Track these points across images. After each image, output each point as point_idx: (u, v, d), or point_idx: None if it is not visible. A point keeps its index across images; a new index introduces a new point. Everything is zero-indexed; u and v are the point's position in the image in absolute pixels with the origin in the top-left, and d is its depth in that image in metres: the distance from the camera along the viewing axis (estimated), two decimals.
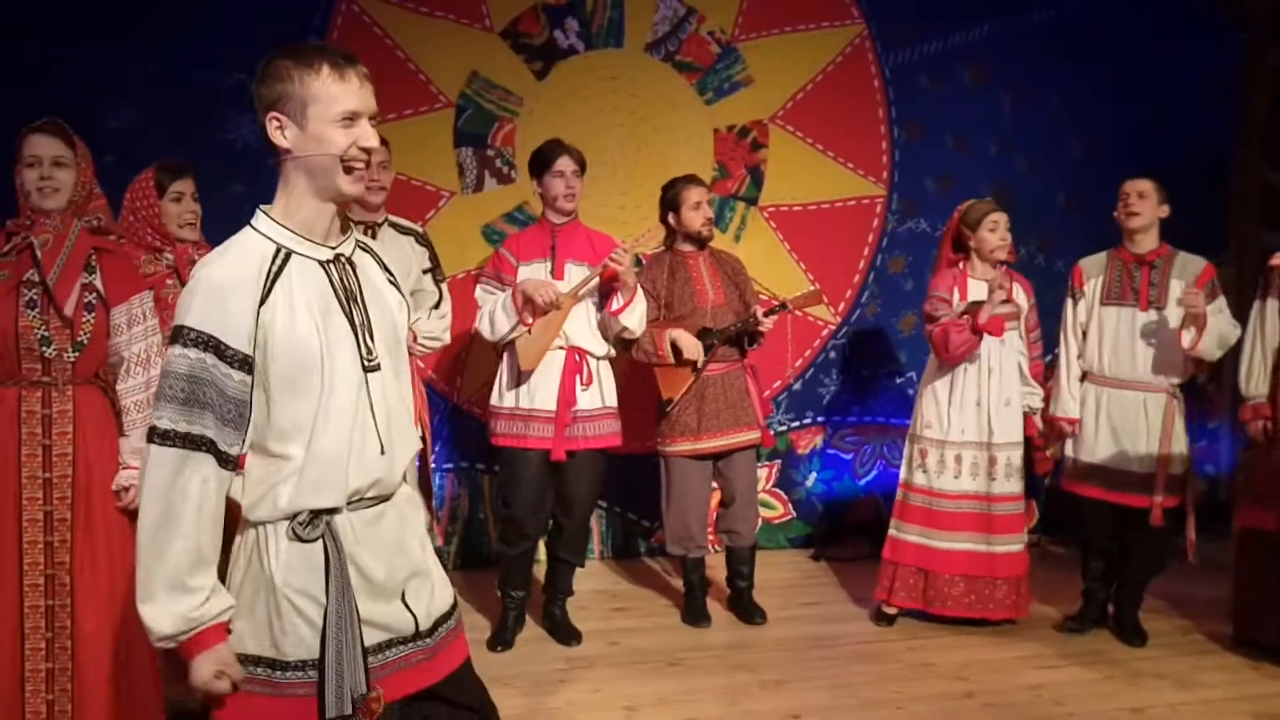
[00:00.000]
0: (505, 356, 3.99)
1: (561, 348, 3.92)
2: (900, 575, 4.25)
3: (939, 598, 4.19)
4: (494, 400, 4.02)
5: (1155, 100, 5.70)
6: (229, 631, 1.79)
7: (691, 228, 4.25)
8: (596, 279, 3.91)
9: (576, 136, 5.04)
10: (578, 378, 3.92)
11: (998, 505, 4.14)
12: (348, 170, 1.78)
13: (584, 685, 3.74)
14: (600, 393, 4.00)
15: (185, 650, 1.76)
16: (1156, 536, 4.09)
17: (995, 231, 4.15)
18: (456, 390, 5.05)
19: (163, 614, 1.73)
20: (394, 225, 3.96)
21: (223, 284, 1.74)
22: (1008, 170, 5.58)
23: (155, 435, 1.73)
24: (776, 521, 5.49)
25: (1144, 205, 4.08)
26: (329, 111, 1.75)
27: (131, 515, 3.02)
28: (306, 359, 1.77)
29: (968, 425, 4.16)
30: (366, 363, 1.84)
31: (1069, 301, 4.24)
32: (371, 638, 1.85)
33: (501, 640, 4.01)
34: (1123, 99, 5.66)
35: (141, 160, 3.39)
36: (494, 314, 3.88)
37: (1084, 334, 4.18)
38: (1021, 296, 4.25)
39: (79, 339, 2.81)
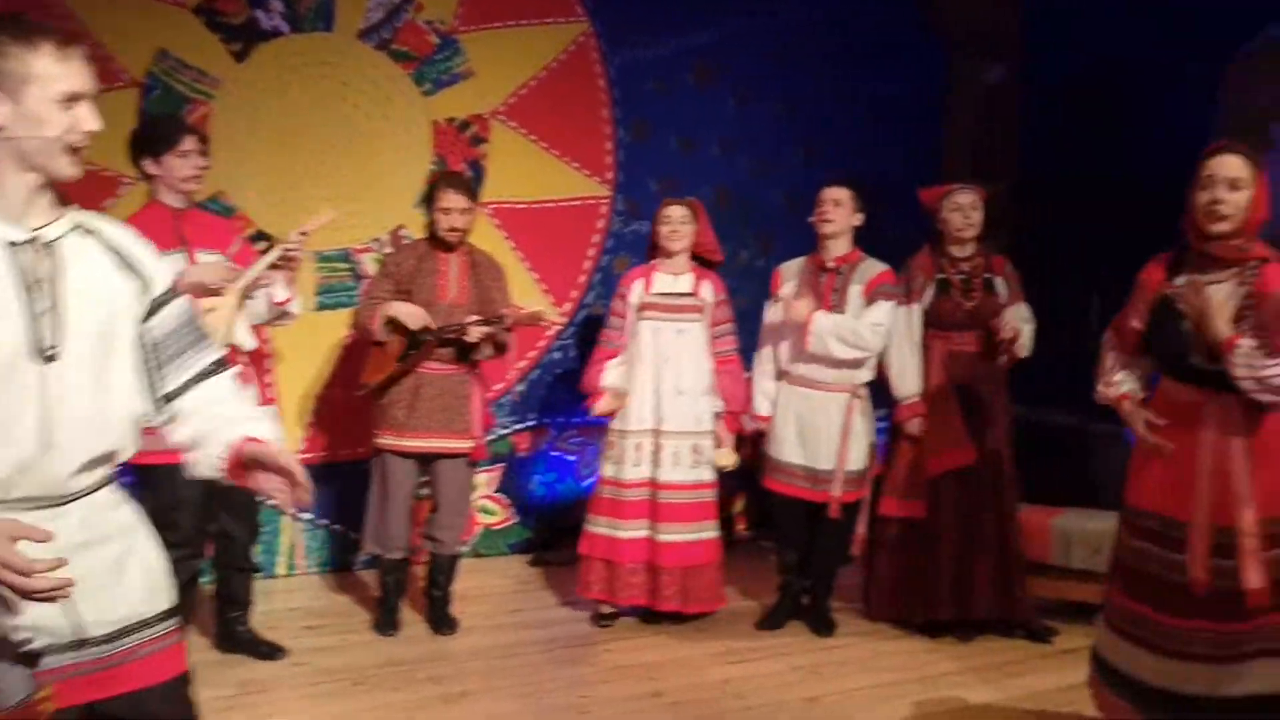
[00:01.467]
0: None
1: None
2: (594, 569, 4.22)
3: (624, 588, 4.18)
4: None
5: (871, 109, 5.93)
6: None
7: (436, 228, 4.11)
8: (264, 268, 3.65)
9: (281, 123, 4.81)
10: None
11: (664, 493, 4.16)
12: (71, 152, 1.72)
13: (255, 712, 3.47)
14: (253, 390, 3.76)
15: None
16: (839, 529, 4.22)
17: (667, 224, 4.19)
18: None
19: None
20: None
21: None
22: (731, 173, 5.67)
23: None
24: (498, 527, 5.37)
25: (838, 213, 4.21)
26: (49, 91, 1.69)
27: None
28: None
29: (644, 413, 4.18)
30: (41, 353, 1.71)
31: (768, 304, 4.32)
32: (21, 636, 1.72)
33: None
34: (841, 107, 5.86)
35: None
36: None
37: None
38: (708, 291, 4.27)
39: None
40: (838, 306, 4.15)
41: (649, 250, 4.36)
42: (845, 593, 4.53)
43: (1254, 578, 2.71)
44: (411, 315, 4.00)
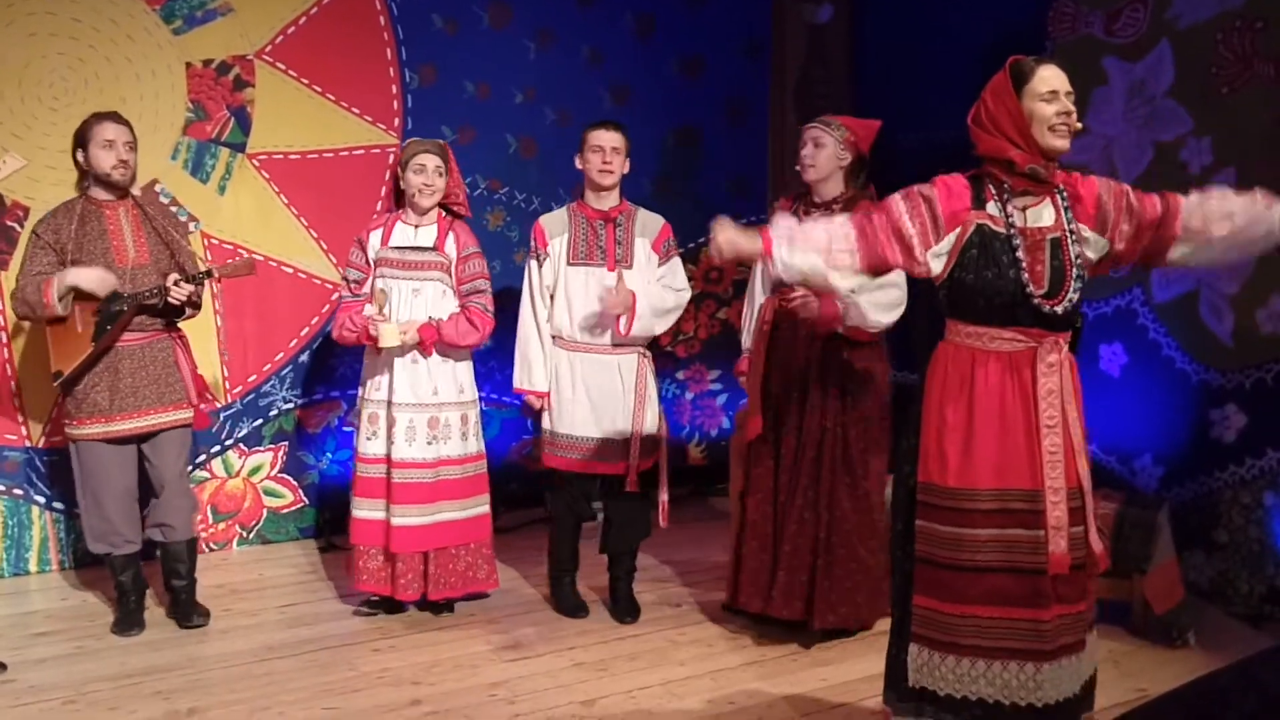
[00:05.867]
0: None
1: None
2: (365, 557, 3.84)
3: (362, 572, 3.84)
4: None
5: (688, 52, 5.55)
6: None
7: (99, 168, 3.60)
8: None
9: (3, 66, 4.21)
10: None
11: (397, 472, 3.77)
12: None
13: None
14: None
15: None
16: (636, 502, 3.91)
17: (420, 174, 3.75)
18: None
19: None
20: None
21: None
22: (536, 122, 5.24)
23: None
24: (285, 511, 4.91)
25: (618, 160, 3.83)
26: None
27: None
28: None
29: (381, 382, 3.79)
30: None
31: (531, 263, 3.87)
32: None
33: None
34: (655, 50, 5.47)
35: None
36: None
37: (551, 297, 3.88)
38: (453, 245, 3.86)
39: None
40: (624, 262, 3.81)
41: (391, 198, 3.93)
42: (650, 571, 4.27)
43: (1096, 539, 2.51)
44: (100, 281, 3.52)
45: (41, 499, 4.43)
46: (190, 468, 4.10)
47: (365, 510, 3.81)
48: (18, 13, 4.21)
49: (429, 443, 3.77)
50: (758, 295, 3.80)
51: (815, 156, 3.62)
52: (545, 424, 3.89)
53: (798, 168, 3.69)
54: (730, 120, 5.66)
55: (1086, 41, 4.48)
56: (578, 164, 3.84)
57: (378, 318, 3.69)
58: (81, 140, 3.62)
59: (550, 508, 4.01)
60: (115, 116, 3.66)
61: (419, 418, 3.76)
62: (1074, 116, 2.42)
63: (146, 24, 4.43)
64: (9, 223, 4.27)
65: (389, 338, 3.64)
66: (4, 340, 4.33)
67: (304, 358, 4.87)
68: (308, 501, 4.94)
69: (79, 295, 3.56)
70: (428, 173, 3.72)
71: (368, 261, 3.82)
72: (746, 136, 5.69)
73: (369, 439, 3.79)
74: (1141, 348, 4.28)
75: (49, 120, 4.28)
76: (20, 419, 4.38)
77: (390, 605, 3.93)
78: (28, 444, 4.40)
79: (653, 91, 5.43)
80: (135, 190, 3.78)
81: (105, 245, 3.60)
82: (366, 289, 3.82)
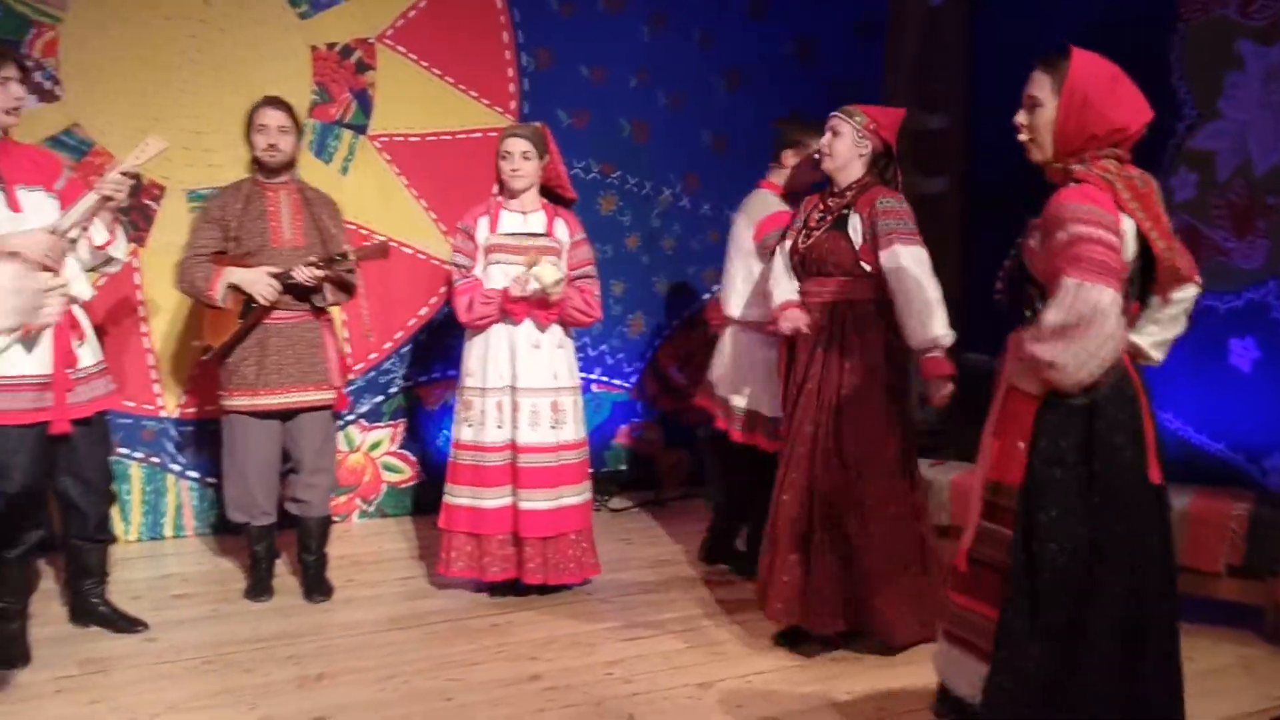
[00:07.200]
0: None
1: None
2: (456, 543, 3.89)
3: (494, 562, 3.85)
4: None
5: (800, 35, 5.50)
6: None
7: (254, 150, 3.77)
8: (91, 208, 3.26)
9: (137, 49, 4.37)
10: (71, 331, 3.29)
11: (524, 457, 3.80)
12: None
13: (83, 695, 3.15)
14: (93, 346, 3.42)
15: None
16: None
17: (507, 160, 3.78)
18: None
19: None
20: None
21: None
22: (649, 104, 5.26)
23: None
24: (403, 486, 5.05)
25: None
26: None
27: None
28: None
29: (502, 369, 3.81)
30: None
31: (763, 249, 3.91)
32: None
33: (13, 657, 3.31)
34: (768, 33, 5.44)
35: None
36: None
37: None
38: (563, 231, 3.89)
39: None
40: None
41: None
42: None
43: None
44: (255, 284, 3.67)
45: (177, 467, 4.63)
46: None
47: (492, 499, 3.82)
48: None
49: (552, 427, 3.82)
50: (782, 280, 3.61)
51: (832, 145, 3.50)
52: (749, 404, 4.00)
53: (816, 157, 3.63)
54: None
55: (1220, 23, 4.31)
56: (789, 161, 3.98)
57: (528, 265, 3.70)
58: (248, 122, 3.78)
59: (742, 479, 4.14)
60: (274, 101, 3.79)
61: (541, 402, 3.81)
62: (1021, 131, 2.41)
63: (275, 8, 4.57)
64: (145, 201, 4.45)
65: (551, 271, 3.67)
66: (142, 315, 4.52)
67: (423, 336, 4.99)
68: (425, 478, 5.07)
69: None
70: (514, 158, 3.76)
71: (476, 247, 3.84)
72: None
73: (498, 426, 3.81)
74: (1275, 342, 4.13)
75: (180, 103, 4.45)
76: (158, 390, 4.58)
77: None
78: (163, 414, 4.59)
79: (763, 74, 5.40)
80: (294, 173, 3.89)
81: (264, 225, 3.74)
82: (478, 272, 3.85)
